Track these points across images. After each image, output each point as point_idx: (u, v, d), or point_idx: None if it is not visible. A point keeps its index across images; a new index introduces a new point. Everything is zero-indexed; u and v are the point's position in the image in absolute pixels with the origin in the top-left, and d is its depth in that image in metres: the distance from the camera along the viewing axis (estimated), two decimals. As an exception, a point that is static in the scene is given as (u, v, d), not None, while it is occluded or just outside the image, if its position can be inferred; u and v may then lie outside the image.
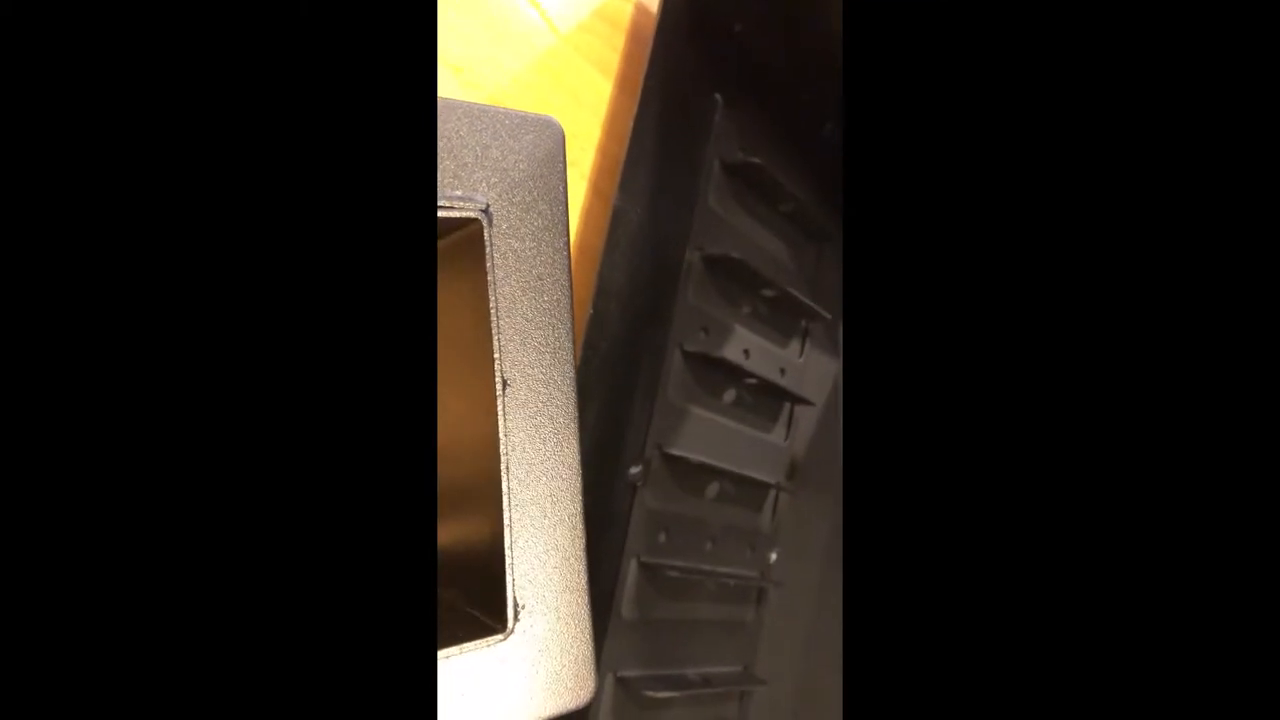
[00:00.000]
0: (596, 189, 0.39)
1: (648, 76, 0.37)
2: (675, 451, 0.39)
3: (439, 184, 0.19)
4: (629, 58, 0.40)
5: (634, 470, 0.37)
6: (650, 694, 0.37)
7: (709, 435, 0.41)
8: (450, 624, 0.19)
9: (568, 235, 0.21)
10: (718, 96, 0.41)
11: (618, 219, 0.37)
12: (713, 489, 0.42)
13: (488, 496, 0.20)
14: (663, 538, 0.39)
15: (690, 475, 0.40)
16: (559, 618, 0.20)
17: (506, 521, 0.19)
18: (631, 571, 0.37)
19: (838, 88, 0.37)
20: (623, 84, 0.40)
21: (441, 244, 0.21)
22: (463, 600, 0.20)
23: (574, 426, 0.20)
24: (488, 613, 0.19)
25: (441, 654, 0.18)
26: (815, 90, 0.44)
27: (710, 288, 0.41)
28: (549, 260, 0.20)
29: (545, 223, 0.21)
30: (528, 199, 0.20)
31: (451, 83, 0.34)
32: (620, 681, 0.36)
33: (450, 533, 0.21)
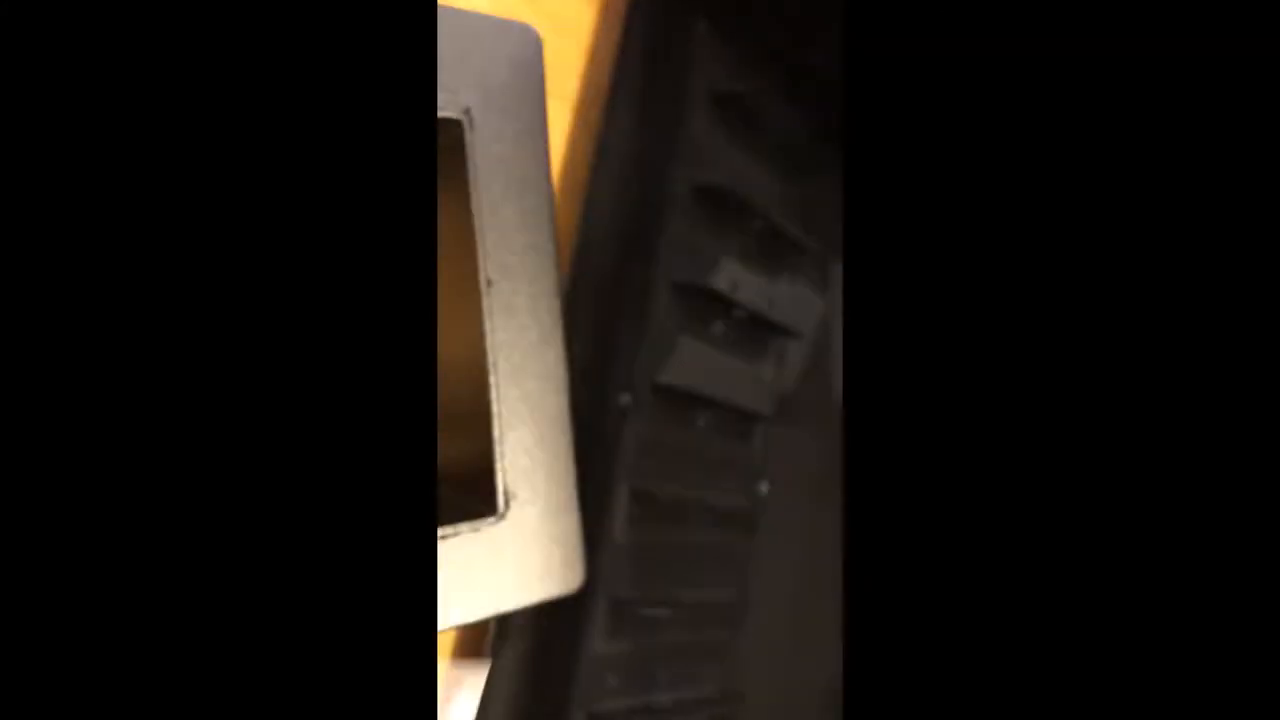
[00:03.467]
0: (582, 118, 0.39)
1: (630, 2, 0.37)
2: (664, 380, 0.39)
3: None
4: (612, -14, 0.40)
5: (623, 398, 0.38)
6: (644, 613, 0.38)
7: (698, 366, 0.42)
8: (445, 511, 0.20)
9: (547, 140, 0.21)
10: (703, 23, 0.41)
11: (604, 146, 0.37)
12: (702, 419, 0.43)
13: (476, 395, 0.20)
14: (652, 464, 0.40)
15: (679, 405, 0.41)
16: (548, 506, 0.20)
17: (495, 416, 0.20)
18: (623, 497, 0.38)
19: (827, 15, 0.37)
20: (606, 10, 0.39)
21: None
22: (456, 493, 0.20)
23: (559, 326, 0.21)
24: (480, 503, 0.20)
25: (437, 533, 0.18)
26: (804, 16, 0.44)
27: (698, 219, 0.41)
28: (530, 164, 0.21)
29: (525, 127, 0.21)
30: (507, 104, 0.21)
31: (433, 8, 0.34)
32: (613, 601, 0.37)
33: (441, 431, 0.22)
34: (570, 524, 0.21)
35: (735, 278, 0.44)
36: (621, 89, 0.37)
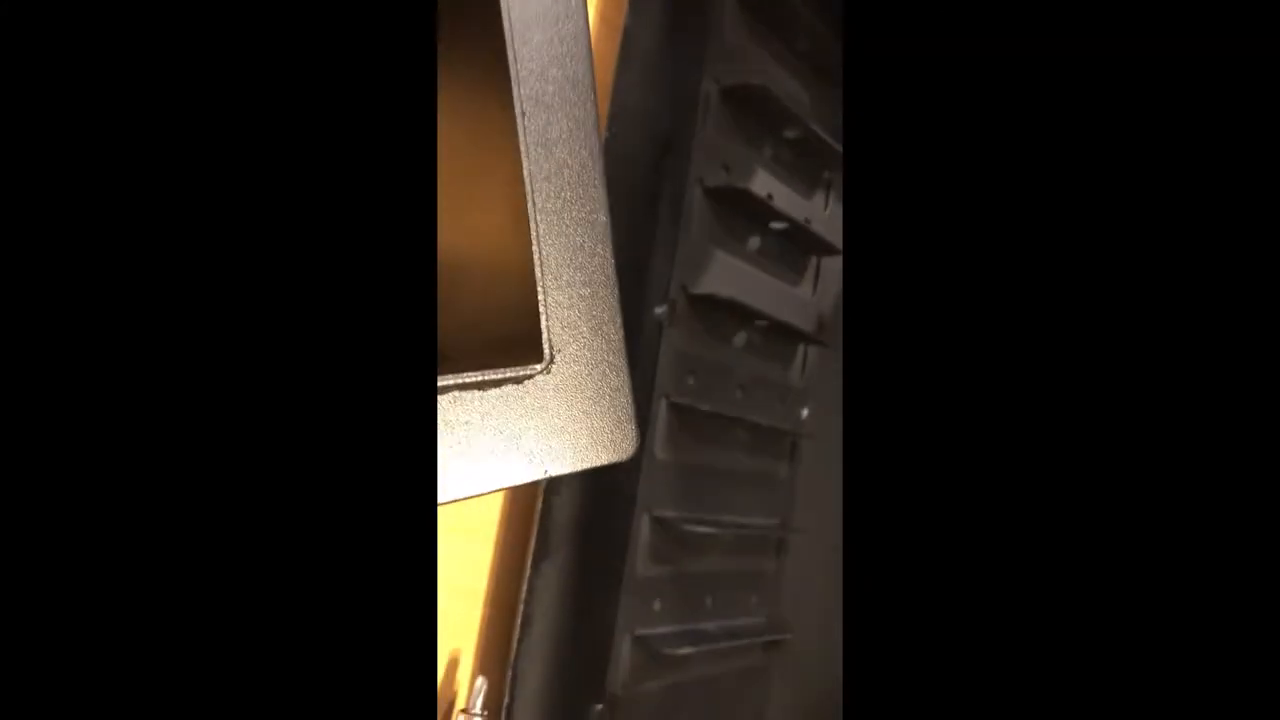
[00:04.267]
0: (605, 19, 0.37)
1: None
2: (701, 291, 0.37)
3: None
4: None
5: (659, 309, 0.36)
6: (689, 530, 0.36)
7: (735, 279, 0.40)
8: (484, 367, 0.18)
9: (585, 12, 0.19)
10: (729, -82, 0.39)
11: (629, 43, 0.35)
12: (740, 337, 0.41)
13: (514, 242, 0.19)
14: (691, 380, 0.38)
15: (717, 319, 0.39)
16: (595, 364, 0.19)
17: (536, 262, 0.18)
18: (662, 411, 0.36)
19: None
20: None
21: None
22: (496, 355, 0.19)
23: (599, 166, 0.19)
24: (523, 360, 0.18)
25: (476, 383, 0.17)
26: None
27: (729, 122, 0.39)
28: (570, 26, 0.19)
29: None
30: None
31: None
32: (657, 520, 0.36)
33: (478, 289, 0.20)
34: (620, 381, 0.19)
35: (771, 188, 0.42)
36: (646, -22, 0.35)
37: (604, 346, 0.19)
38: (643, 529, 0.35)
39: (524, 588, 0.31)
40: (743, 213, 0.40)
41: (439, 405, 0.16)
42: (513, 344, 0.19)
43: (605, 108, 0.33)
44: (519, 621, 0.31)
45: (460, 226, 0.20)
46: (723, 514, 0.40)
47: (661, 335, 0.36)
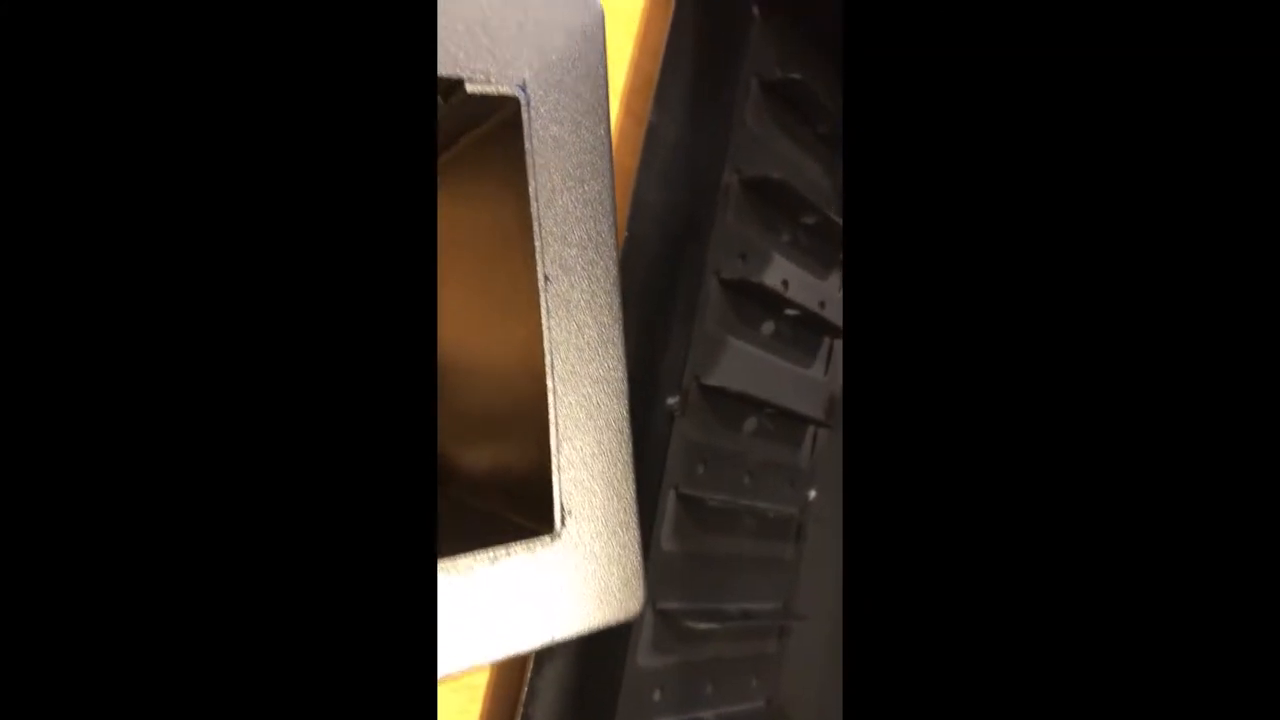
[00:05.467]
0: (630, 109, 0.37)
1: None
2: (713, 382, 0.37)
3: (471, 61, 0.18)
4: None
5: (671, 400, 0.36)
6: (691, 625, 0.36)
7: (747, 367, 0.40)
8: (495, 530, 0.18)
9: (609, 121, 0.20)
10: (754, 9, 0.39)
11: (653, 137, 0.35)
12: (751, 423, 0.41)
13: (531, 400, 0.19)
14: (701, 469, 0.38)
15: (728, 408, 0.39)
16: (606, 524, 0.19)
17: (552, 422, 0.18)
18: (670, 502, 0.36)
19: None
20: (654, -3, 0.38)
21: (477, 131, 0.19)
22: (507, 508, 0.19)
23: (618, 325, 0.19)
24: (534, 519, 0.18)
25: (488, 556, 0.17)
26: (858, 2, 0.42)
27: (749, 211, 0.39)
28: (590, 147, 0.19)
29: (586, 107, 0.19)
30: (567, 80, 0.19)
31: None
32: (660, 613, 0.36)
33: (492, 440, 0.20)
34: (630, 542, 0.19)
35: (787, 274, 0.42)
36: (671, 76, 0.35)
37: (616, 507, 0.19)
38: (646, 622, 0.35)
39: (524, 687, 0.31)
40: (758, 301, 0.40)
41: (447, 578, 0.16)
42: (524, 494, 0.19)
43: (626, 205, 0.34)
44: (519, 716, 0.31)
45: (479, 377, 0.20)
46: (726, 601, 0.40)
47: (672, 426, 0.36)
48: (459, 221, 0.21)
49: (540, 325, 0.18)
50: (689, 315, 0.37)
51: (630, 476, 0.19)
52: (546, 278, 0.18)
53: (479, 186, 0.19)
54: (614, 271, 0.19)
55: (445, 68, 0.17)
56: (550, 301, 0.18)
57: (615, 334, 0.19)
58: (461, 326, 0.21)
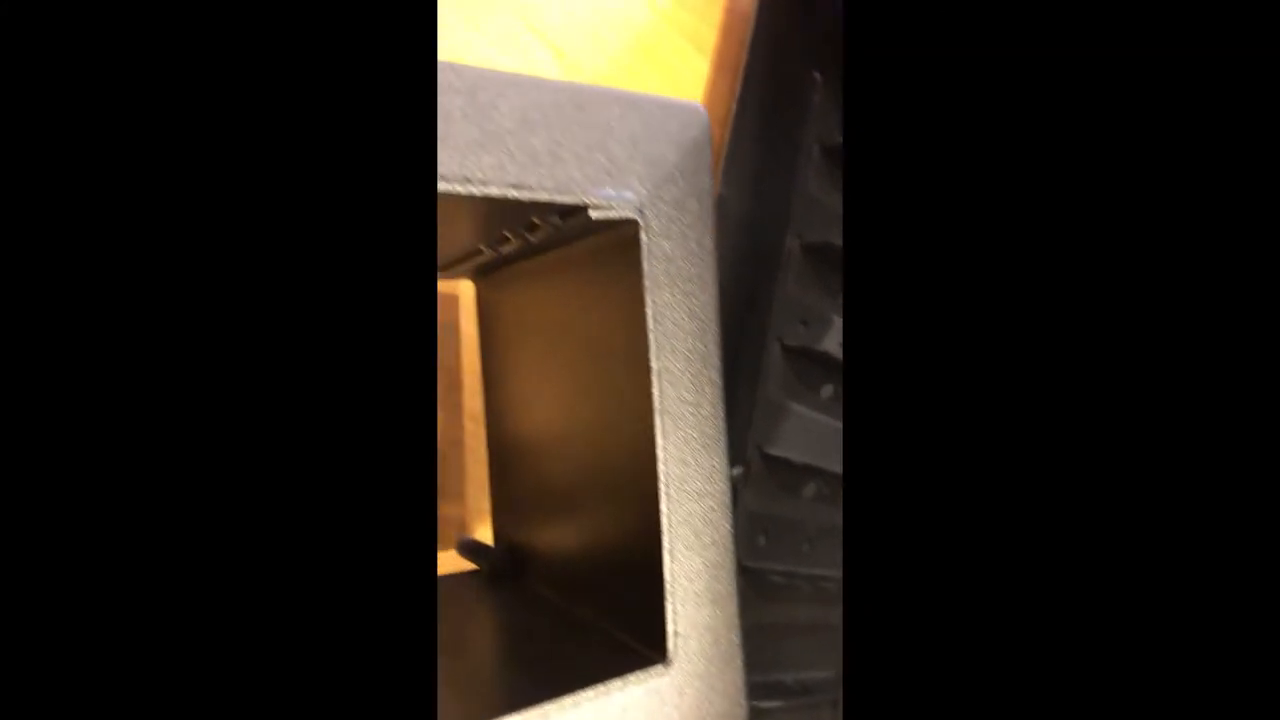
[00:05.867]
0: (693, 176, 0.37)
1: (750, 58, 0.35)
2: (776, 452, 0.37)
3: (590, 184, 0.17)
4: (726, 33, 0.38)
5: (735, 471, 0.36)
6: (754, 704, 0.35)
7: (808, 433, 0.40)
8: (606, 653, 0.18)
9: (714, 233, 0.19)
10: (817, 75, 0.39)
11: (722, 210, 0.35)
12: (810, 489, 0.41)
13: (638, 512, 0.18)
14: (762, 541, 0.37)
15: (789, 475, 0.39)
16: (714, 645, 0.18)
17: (666, 546, 0.18)
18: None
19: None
20: (720, 63, 0.38)
21: (589, 241, 0.19)
22: (612, 624, 0.18)
23: (723, 437, 0.19)
24: (643, 641, 0.18)
25: (603, 687, 0.16)
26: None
27: (810, 277, 0.39)
28: (699, 261, 0.19)
29: (693, 220, 0.19)
30: (677, 195, 0.19)
31: (552, 66, 0.33)
32: (723, 689, 0.35)
33: (600, 545, 0.20)
34: (734, 661, 0.18)
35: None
36: (738, 147, 0.35)
37: (723, 633, 0.18)
38: (708, 699, 0.34)
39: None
40: (819, 364, 0.40)
41: (560, 710, 0.16)
42: (633, 611, 0.19)
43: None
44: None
45: (586, 474, 0.20)
46: (785, 672, 0.39)
47: (736, 498, 0.35)
48: (570, 316, 0.21)
49: (654, 439, 0.18)
50: (752, 384, 0.36)
51: (735, 593, 0.19)
52: (660, 393, 0.18)
53: (590, 287, 0.19)
54: (720, 384, 0.19)
55: (566, 192, 0.17)
56: (666, 423, 0.18)
57: (720, 447, 0.19)
58: (566, 414, 0.20)
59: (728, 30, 0.38)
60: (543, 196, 0.17)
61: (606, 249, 0.19)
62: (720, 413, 0.19)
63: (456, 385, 0.31)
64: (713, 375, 0.19)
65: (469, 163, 0.16)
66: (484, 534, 0.32)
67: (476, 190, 0.16)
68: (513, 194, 0.16)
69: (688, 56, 0.37)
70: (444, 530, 0.32)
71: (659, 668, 0.17)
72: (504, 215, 0.19)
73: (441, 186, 0.16)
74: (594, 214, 0.17)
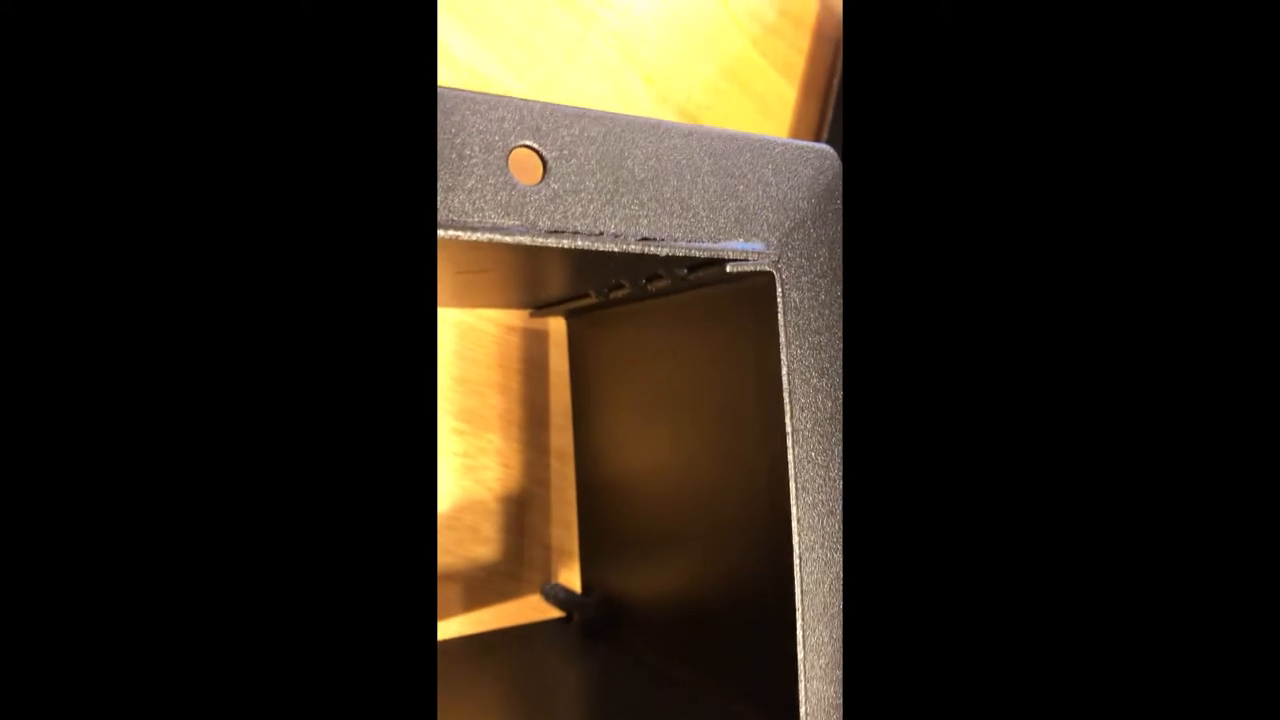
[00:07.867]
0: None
1: (830, 81, 0.34)
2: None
3: (722, 234, 0.17)
4: (813, 60, 0.37)
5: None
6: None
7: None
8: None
9: (841, 281, 0.18)
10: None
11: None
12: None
13: (764, 577, 0.17)
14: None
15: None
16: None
17: (799, 616, 0.17)
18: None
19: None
20: (806, 89, 0.37)
21: (710, 290, 0.18)
22: (725, 695, 0.17)
23: (840, 513, 0.18)
24: (769, 717, 0.17)
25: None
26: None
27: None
28: (828, 312, 0.18)
29: (824, 269, 0.18)
30: (808, 243, 0.18)
31: (644, 95, 0.32)
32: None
33: (714, 607, 0.19)
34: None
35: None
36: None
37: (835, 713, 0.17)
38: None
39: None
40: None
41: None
42: (761, 688, 0.18)
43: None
44: None
45: (710, 524, 0.19)
46: None
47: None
48: (685, 363, 0.20)
49: (787, 504, 0.17)
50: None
51: (840, 673, 0.18)
52: (792, 456, 0.17)
53: (710, 334, 0.18)
54: (840, 449, 0.18)
55: (697, 243, 0.16)
56: (796, 482, 0.17)
57: (839, 511, 0.18)
58: (675, 462, 0.19)
59: (815, 57, 0.37)
60: (677, 251, 0.16)
61: (729, 297, 0.18)
62: (838, 476, 0.18)
63: (544, 423, 0.30)
64: (839, 436, 0.18)
65: (603, 216, 0.15)
66: (566, 576, 0.32)
67: (614, 246, 0.15)
68: (648, 249, 0.15)
69: (775, 83, 0.36)
70: (527, 572, 0.31)
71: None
72: (625, 265, 0.18)
73: (577, 243, 0.15)
74: (731, 268, 0.16)
